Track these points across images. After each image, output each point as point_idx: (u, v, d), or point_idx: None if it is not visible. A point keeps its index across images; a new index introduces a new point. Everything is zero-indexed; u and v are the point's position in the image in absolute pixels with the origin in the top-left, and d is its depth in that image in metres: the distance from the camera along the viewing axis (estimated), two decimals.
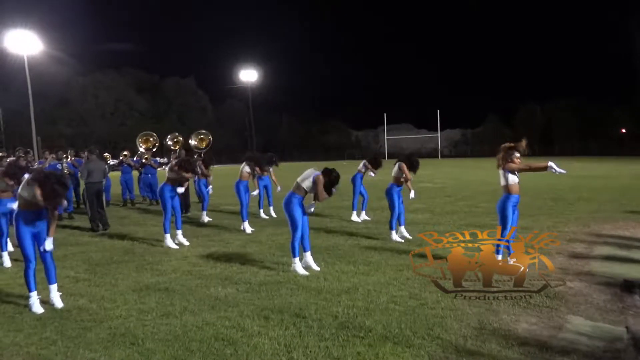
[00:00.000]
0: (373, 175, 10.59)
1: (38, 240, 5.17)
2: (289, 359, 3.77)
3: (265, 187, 11.29)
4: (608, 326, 4.29)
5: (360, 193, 10.56)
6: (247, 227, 9.51)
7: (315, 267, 6.37)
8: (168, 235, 8.21)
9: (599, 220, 9.66)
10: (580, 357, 3.68)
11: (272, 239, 8.58)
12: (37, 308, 4.99)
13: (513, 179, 6.22)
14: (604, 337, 4.02)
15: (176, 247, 8.04)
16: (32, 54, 34.39)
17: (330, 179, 6.21)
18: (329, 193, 6.25)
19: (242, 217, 9.67)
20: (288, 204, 6.25)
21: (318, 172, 6.28)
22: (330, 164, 6.64)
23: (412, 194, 8.92)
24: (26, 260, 5.07)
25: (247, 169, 10.12)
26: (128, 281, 6.10)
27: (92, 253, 7.89)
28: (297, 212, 6.21)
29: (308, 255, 6.44)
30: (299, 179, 6.32)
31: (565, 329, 4.23)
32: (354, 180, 10.53)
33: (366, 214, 10.76)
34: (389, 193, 8.25)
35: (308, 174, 6.29)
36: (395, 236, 8.16)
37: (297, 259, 6.23)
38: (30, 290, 5.07)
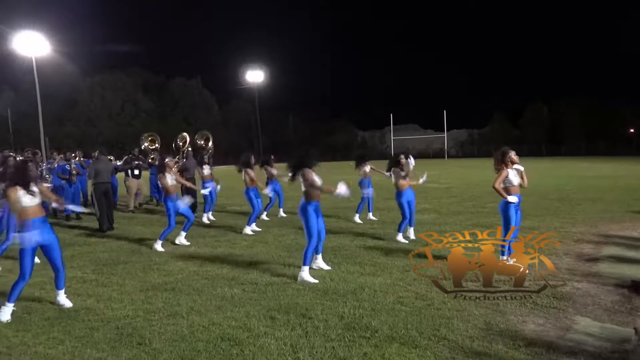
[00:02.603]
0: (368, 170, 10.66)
1: (48, 251, 5.04)
2: (295, 359, 3.78)
3: (276, 190, 11.24)
4: (616, 327, 4.26)
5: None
6: (248, 230, 9.42)
7: (326, 267, 6.38)
8: (160, 242, 8.12)
9: (606, 221, 9.60)
10: (587, 358, 3.66)
11: (278, 240, 8.59)
12: (5, 317, 4.78)
13: (512, 181, 6.20)
14: (612, 338, 4.00)
15: (162, 249, 7.95)
16: (40, 55, 34.61)
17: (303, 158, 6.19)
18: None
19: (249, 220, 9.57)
20: (303, 211, 6.07)
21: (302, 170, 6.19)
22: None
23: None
24: (21, 274, 4.84)
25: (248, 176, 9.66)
26: (135, 281, 6.12)
27: (99, 253, 7.93)
28: (312, 220, 6.02)
29: (319, 258, 6.44)
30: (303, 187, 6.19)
31: (573, 330, 4.21)
32: (360, 184, 10.60)
33: (372, 215, 10.76)
34: (398, 198, 8.24)
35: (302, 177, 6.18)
36: (400, 237, 8.16)
37: (307, 268, 5.96)
38: (8, 300, 4.84)
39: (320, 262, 6.44)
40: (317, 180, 6.16)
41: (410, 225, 8.37)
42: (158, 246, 8.08)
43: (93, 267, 6.95)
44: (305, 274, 5.91)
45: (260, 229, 9.67)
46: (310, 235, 6.02)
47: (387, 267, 6.44)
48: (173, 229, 8.22)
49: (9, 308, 4.86)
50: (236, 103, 77.40)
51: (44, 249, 5.03)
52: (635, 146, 56.96)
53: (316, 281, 5.81)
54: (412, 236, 8.29)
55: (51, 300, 5.27)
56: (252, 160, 9.78)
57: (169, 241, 8.40)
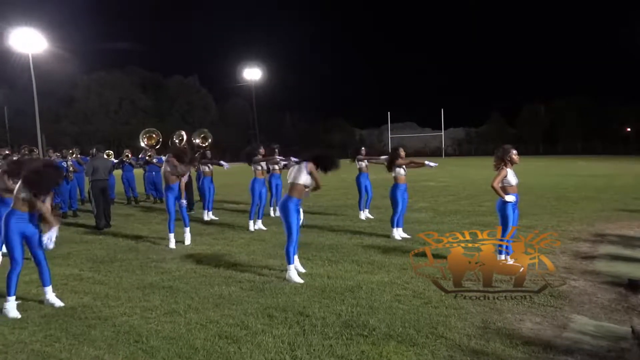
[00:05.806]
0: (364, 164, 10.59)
1: (30, 243, 5.02)
2: (292, 357, 3.78)
3: (277, 185, 11.14)
4: (612, 326, 4.27)
5: (366, 190, 10.58)
6: (251, 226, 9.49)
7: (302, 270, 6.13)
8: (172, 235, 8.13)
9: (603, 220, 9.63)
10: (584, 357, 3.67)
11: (276, 237, 8.58)
12: (14, 313, 4.82)
13: (510, 181, 6.19)
14: (609, 337, 4.01)
15: (174, 247, 7.96)
16: (37, 52, 34.49)
17: (324, 161, 5.93)
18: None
19: (249, 215, 9.58)
20: (284, 208, 5.85)
21: (306, 162, 5.91)
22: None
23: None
24: (12, 262, 4.92)
25: (257, 166, 9.63)
26: (132, 279, 6.11)
27: (96, 251, 7.92)
28: (293, 218, 5.83)
29: (296, 259, 6.11)
30: (290, 179, 5.93)
31: (570, 329, 4.22)
32: (357, 179, 10.58)
33: (369, 213, 10.75)
34: (394, 191, 8.21)
35: (299, 170, 5.91)
36: (395, 233, 8.15)
37: (292, 266, 5.85)
38: (9, 294, 4.88)
39: (297, 265, 6.15)
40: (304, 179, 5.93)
41: (398, 226, 8.33)
42: (172, 242, 8.04)
43: (90, 265, 6.94)
44: (291, 272, 5.83)
45: (257, 228, 9.66)
46: (289, 233, 5.84)
47: (384, 265, 6.45)
48: (174, 217, 8.16)
49: (12, 303, 4.87)
50: (234, 101, 77.39)
51: (28, 242, 5.02)
52: (632, 145, 57.12)
53: (302, 280, 5.73)
54: (397, 236, 8.23)
55: (41, 301, 5.23)
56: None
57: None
